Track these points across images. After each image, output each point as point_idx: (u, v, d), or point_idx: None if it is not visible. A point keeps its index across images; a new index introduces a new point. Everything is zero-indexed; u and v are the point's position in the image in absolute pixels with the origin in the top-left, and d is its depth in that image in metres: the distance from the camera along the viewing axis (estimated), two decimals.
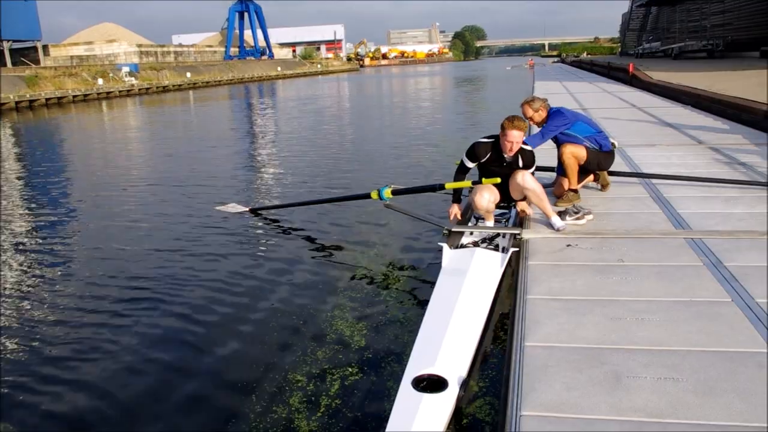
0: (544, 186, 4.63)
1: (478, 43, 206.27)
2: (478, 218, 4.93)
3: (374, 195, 5.27)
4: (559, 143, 5.10)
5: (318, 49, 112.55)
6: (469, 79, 48.88)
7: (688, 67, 23.37)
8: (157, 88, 45.63)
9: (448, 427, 2.58)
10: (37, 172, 11.71)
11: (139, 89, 43.40)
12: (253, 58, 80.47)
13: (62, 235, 6.85)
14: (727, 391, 2.22)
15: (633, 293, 3.15)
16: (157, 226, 6.99)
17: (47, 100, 34.17)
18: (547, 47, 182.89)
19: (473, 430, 2.80)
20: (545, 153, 5.68)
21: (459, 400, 2.71)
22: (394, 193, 5.23)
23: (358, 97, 35.08)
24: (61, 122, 24.89)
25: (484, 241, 4.56)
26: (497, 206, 4.65)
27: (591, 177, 5.37)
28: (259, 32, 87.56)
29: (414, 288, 4.66)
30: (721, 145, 7.33)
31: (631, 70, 22.21)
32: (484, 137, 4.56)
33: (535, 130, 5.29)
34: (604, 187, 5.39)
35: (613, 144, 5.29)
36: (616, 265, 3.56)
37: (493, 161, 4.48)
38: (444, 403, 2.60)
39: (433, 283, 3.81)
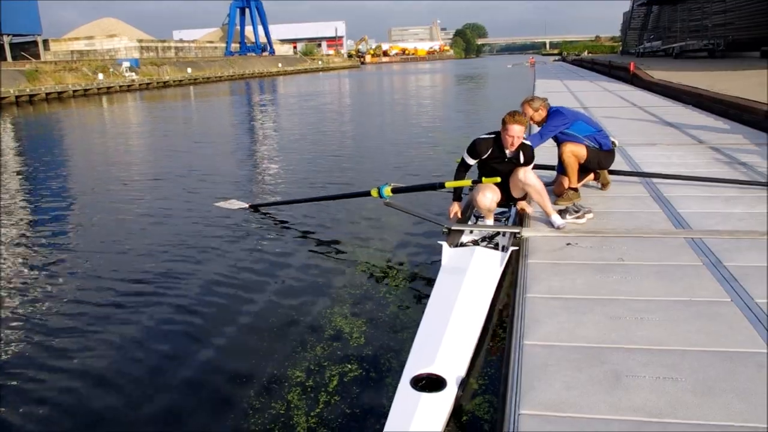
0: (545, 184, 4.63)
1: (479, 41, 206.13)
2: (478, 217, 4.93)
3: (374, 193, 5.27)
4: (559, 142, 5.10)
5: (319, 45, 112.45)
6: (470, 77, 48.85)
7: (689, 67, 23.34)
8: (158, 83, 45.60)
9: (447, 426, 2.58)
10: (37, 166, 11.70)
11: (140, 84, 43.37)
12: (253, 54, 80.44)
13: (62, 229, 6.86)
14: (726, 391, 2.22)
15: (633, 292, 3.14)
16: (157, 221, 6.99)
17: (47, 94, 34.16)
18: (548, 46, 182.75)
19: (472, 428, 2.80)
20: (546, 151, 5.68)
21: (458, 399, 2.71)
22: (394, 191, 5.23)
23: (358, 94, 35.03)
24: (61, 117, 24.87)
25: (483, 239, 4.56)
26: (497, 205, 4.65)
27: (591, 176, 5.36)
28: (260, 28, 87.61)
29: (413, 286, 4.66)
30: (722, 145, 7.32)
31: (632, 69, 22.17)
32: (485, 134, 4.56)
33: (535, 129, 5.29)
34: (604, 185, 5.38)
35: (613, 143, 5.28)
36: (615, 264, 3.56)
37: (495, 157, 4.48)
38: (442, 403, 2.60)
39: (432, 282, 3.81)
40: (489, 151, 4.47)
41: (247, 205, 7.12)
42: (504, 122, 4.31)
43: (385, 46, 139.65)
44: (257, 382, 3.33)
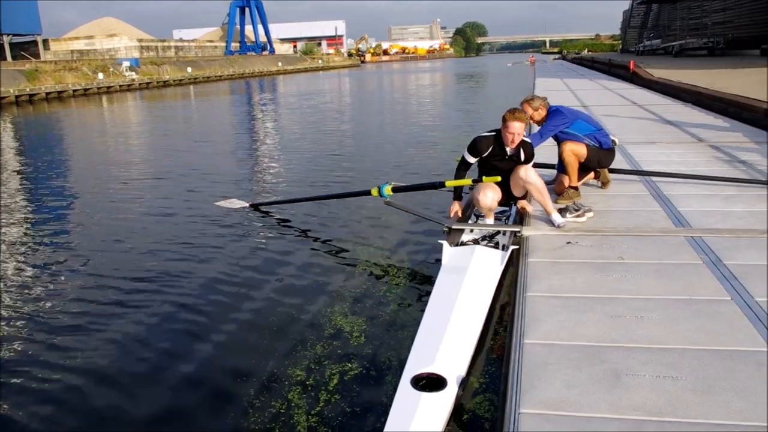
0: (545, 183, 4.63)
1: (479, 40, 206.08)
2: (478, 216, 4.93)
3: (375, 192, 5.28)
4: (559, 141, 5.10)
5: (319, 44, 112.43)
6: (470, 76, 48.83)
7: (689, 65, 23.33)
8: (158, 82, 45.59)
9: (448, 426, 2.58)
10: (37, 166, 11.70)
11: (140, 84, 43.36)
12: (253, 53, 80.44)
13: (62, 228, 6.86)
14: (726, 390, 2.22)
15: (633, 291, 3.15)
16: (157, 220, 6.99)
17: (47, 94, 34.17)
18: (548, 44, 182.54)
19: (472, 427, 2.80)
20: (546, 150, 5.68)
21: (458, 398, 2.71)
22: (395, 190, 5.24)
23: (358, 93, 35.03)
24: (61, 116, 24.87)
25: (484, 238, 4.56)
26: (498, 204, 4.65)
27: (591, 174, 5.37)
28: (260, 27, 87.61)
29: (414, 285, 4.66)
30: (722, 143, 7.32)
31: (631, 67, 22.14)
32: (485, 132, 4.57)
33: (535, 128, 5.29)
34: (604, 184, 5.39)
35: (613, 141, 5.28)
36: (616, 262, 3.56)
37: (495, 155, 4.49)
38: (443, 403, 2.60)
39: (432, 281, 3.81)
40: (489, 149, 4.47)
41: (247, 204, 7.12)
42: (504, 119, 4.32)
43: (385, 45, 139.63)
44: (258, 380, 3.33)
